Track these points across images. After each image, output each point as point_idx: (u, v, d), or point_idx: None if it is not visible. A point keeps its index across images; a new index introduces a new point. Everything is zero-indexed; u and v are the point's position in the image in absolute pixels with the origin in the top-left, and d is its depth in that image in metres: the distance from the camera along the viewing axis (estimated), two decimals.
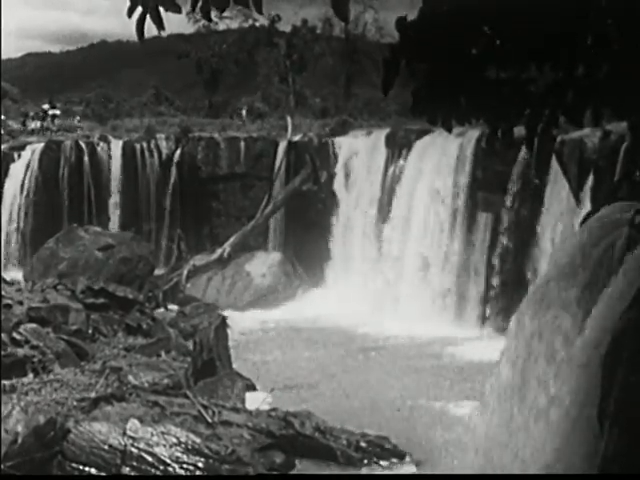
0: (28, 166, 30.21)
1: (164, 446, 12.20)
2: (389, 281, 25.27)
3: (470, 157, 23.73)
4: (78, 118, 37.61)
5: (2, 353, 14.61)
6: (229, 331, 18.41)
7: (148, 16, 4.43)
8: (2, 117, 33.84)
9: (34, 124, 34.57)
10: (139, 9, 4.41)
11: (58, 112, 37.95)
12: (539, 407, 5.95)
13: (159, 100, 45.00)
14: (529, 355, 6.14)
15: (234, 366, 17.43)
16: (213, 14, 4.52)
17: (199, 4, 4.30)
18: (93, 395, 13.53)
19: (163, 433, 12.36)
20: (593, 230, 6.05)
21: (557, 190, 20.69)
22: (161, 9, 4.43)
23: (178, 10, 4.44)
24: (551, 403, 5.77)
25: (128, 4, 4.42)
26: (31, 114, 36.28)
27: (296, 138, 30.11)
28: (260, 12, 4.40)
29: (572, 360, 5.53)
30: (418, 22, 4.35)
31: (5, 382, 13.61)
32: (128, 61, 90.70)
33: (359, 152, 28.05)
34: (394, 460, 13.34)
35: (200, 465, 12.12)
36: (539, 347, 6.03)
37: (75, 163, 30.35)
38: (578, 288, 5.82)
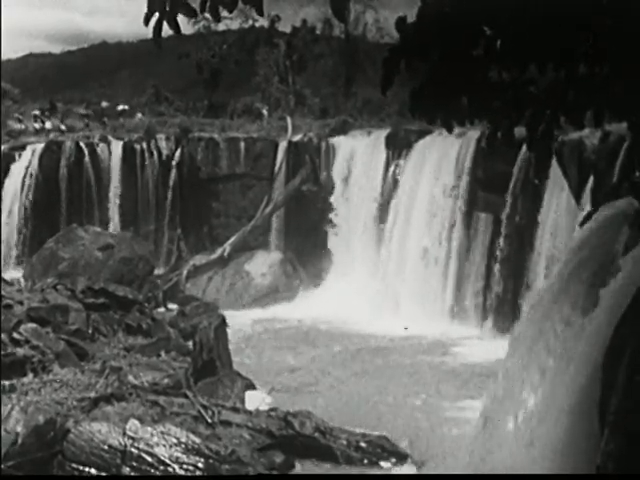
0: (28, 166, 30.18)
1: (164, 446, 12.20)
2: (389, 281, 25.27)
3: (470, 157, 23.72)
4: (139, 115, 36.67)
5: (2, 353, 14.61)
6: (228, 331, 18.40)
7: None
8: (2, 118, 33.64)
9: (49, 124, 34.34)
10: (156, 15, 4.46)
11: (127, 107, 37.69)
12: (540, 407, 5.96)
13: (159, 100, 44.83)
14: (532, 355, 6.14)
15: (233, 366, 17.42)
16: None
17: (207, 5, 4.33)
18: (93, 395, 13.54)
19: (163, 433, 12.36)
20: (593, 231, 6.05)
21: (557, 190, 20.68)
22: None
23: (194, 14, 4.49)
24: (552, 402, 5.78)
25: (145, 11, 4.47)
26: (46, 113, 36.07)
27: (296, 138, 30.08)
28: (261, 14, 4.43)
29: (573, 359, 5.54)
30: (418, 22, 4.35)
31: (5, 382, 13.61)
32: (128, 61, 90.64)
33: (359, 152, 28.03)
34: (394, 460, 13.34)
35: (200, 465, 12.12)
36: (542, 348, 6.03)
37: (75, 163, 30.31)
38: (580, 288, 5.82)
